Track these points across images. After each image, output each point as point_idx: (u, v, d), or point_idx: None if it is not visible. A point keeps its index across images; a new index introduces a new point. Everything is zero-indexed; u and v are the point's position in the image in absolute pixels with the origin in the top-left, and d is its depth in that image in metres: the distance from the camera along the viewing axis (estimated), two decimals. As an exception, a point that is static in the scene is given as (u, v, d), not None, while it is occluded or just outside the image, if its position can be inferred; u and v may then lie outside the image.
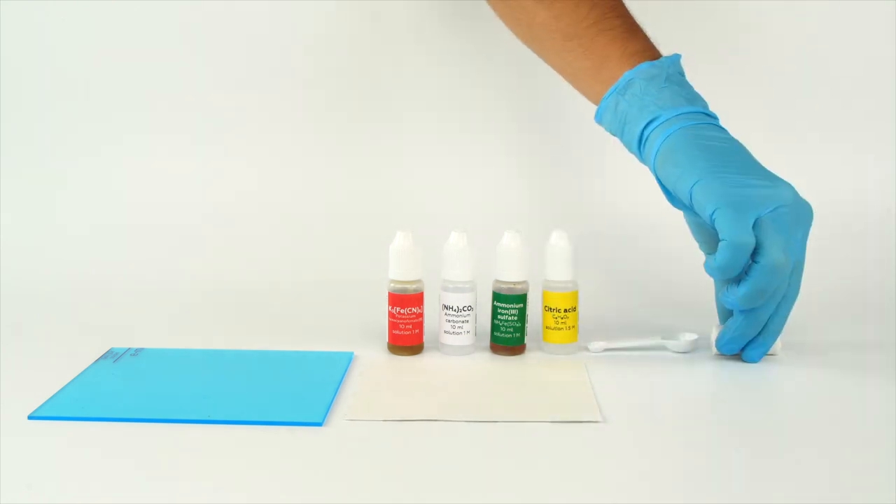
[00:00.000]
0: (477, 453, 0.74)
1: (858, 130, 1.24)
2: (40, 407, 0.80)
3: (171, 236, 1.20)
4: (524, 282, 0.93)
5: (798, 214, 0.87)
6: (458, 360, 0.92)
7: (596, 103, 0.96)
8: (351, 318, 1.03)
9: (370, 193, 1.24)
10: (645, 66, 0.92)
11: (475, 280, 0.93)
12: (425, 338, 0.94)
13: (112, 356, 0.92)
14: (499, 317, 0.93)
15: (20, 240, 1.20)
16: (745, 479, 0.71)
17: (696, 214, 0.89)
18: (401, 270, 0.92)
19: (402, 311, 0.92)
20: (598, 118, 0.96)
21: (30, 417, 0.79)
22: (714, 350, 0.93)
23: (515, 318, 0.93)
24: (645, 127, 0.91)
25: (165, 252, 1.19)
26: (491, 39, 1.24)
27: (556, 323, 0.93)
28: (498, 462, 0.73)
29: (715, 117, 0.92)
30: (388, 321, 0.93)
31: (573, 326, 0.93)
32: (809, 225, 0.88)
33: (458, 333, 0.93)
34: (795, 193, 0.87)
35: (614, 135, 0.96)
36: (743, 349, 0.91)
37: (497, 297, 0.93)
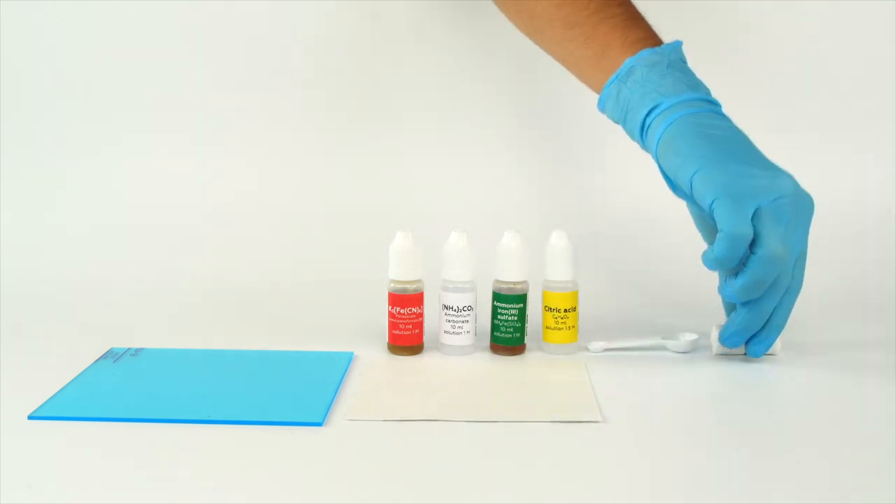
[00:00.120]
0: (477, 453, 0.74)
1: (858, 130, 1.24)
2: (40, 407, 0.80)
3: (171, 236, 1.20)
4: (524, 282, 0.93)
5: (799, 206, 0.86)
6: (458, 360, 0.92)
7: (598, 92, 0.95)
8: (351, 318, 1.03)
9: (370, 193, 1.24)
10: (646, 53, 0.92)
11: (475, 280, 0.93)
12: (425, 338, 0.94)
13: (112, 356, 0.92)
14: (499, 317, 0.93)
15: (20, 240, 1.20)
16: (745, 479, 0.71)
17: (698, 205, 0.88)
18: (401, 270, 0.92)
19: (402, 311, 0.92)
20: (601, 106, 0.95)
21: (30, 417, 0.79)
22: (714, 350, 0.93)
23: (515, 318, 0.93)
24: (647, 115, 0.91)
25: (165, 252, 1.19)
26: (491, 40, 1.24)
27: (556, 323, 0.93)
28: (498, 462, 0.73)
29: (717, 104, 0.92)
30: (388, 321, 0.93)
31: (573, 326, 0.93)
32: (811, 216, 0.88)
33: (458, 333, 0.93)
34: (796, 184, 0.87)
35: (617, 123, 0.95)
36: (747, 343, 0.91)
37: (497, 297, 0.93)
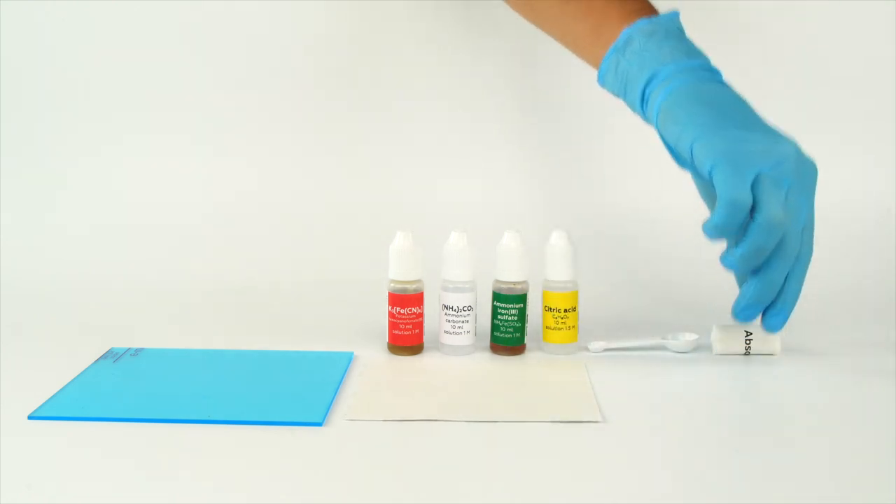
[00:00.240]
0: (477, 453, 0.74)
1: (858, 131, 1.24)
2: (40, 407, 0.80)
3: (171, 236, 1.20)
4: (524, 282, 0.93)
5: (801, 171, 0.85)
6: (458, 360, 0.92)
7: (597, 67, 0.94)
8: (351, 318, 1.03)
9: (370, 193, 1.24)
10: (643, 23, 0.91)
11: (475, 280, 0.93)
12: (425, 338, 0.94)
13: (112, 356, 0.92)
14: (499, 317, 0.93)
15: (20, 240, 1.20)
16: (745, 479, 0.71)
17: (700, 174, 0.86)
18: (401, 270, 0.92)
19: (402, 311, 0.92)
20: (601, 80, 0.94)
21: (30, 417, 0.79)
22: (714, 350, 0.93)
23: (515, 318, 0.93)
24: (646, 85, 0.89)
25: (165, 252, 1.19)
26: (491, 40, 1.24)
27: (556, 323, 0.93)
28: (498, 462, 0.73)
29: (718, 72, 0.90)
30: (388, 321, 0.93)
31: (573, 326, 0.93)
32: (815, 182, 0.86)
33: (458, 333, 0.93)
34: (798, 149, 0.85)
35: (617, 96, 0.94)
36: (763, 317, 0.88)
37: (497, 297, 0.93)
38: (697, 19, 1.23)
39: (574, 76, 1.23)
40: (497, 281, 0.93)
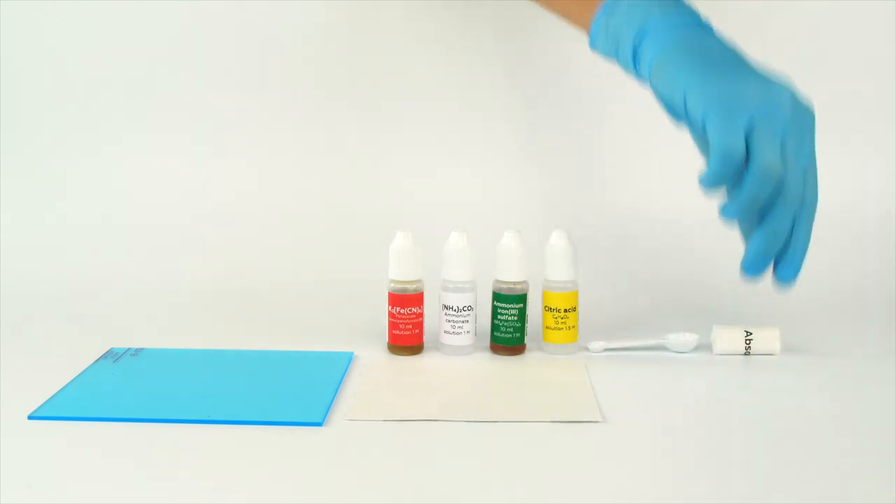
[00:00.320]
0: (477, 453, 0.74)
1: (858, 130, 1.24)
2: (40, 407, 0.80)
3: (171, 236, 1.20)
4: (524, 282, 0.93)
5: (797, 116, 0.83)
6: (458, 360, 0.93)
7: (588, 31, 0.92)
8: (351, 318, 1.03)
9: (370, 193, 1.24)
10: None
11: (475, 280, 0.93)
12: (425, 338, 0.94)
13: (112, 356, 0.92)
14: (499, 317, 0.93)
15: (20, 240, 1.20)
16: (745, 479, 0.71)
17: (694, 126, 0.84)
18: (401, 270, 0.92)
19: (402, 311, 0.92)
20: (592, 44, 0.92)
21: (30, 417, 0.79)
22: (714, 350, 0.93)
23: (515, 318, 0.93)
24: (637, 42, 0.87)
25: (165, 252, 1.19)
26: (492, 40, 1.24)
27: (556, 323, 0.93)
28: (498, 462, 0.73)
29: (708, 27, 0.88)
30: (388, 321, 0.93)
31: (573, 326, 0.93)
32: (812, 127, 0.84)
33: (458, 333, 0.93)
34: (793, 94, 0.84)
35: (609, 57, 0.91)
36: (774, 270, 0.85)
37: (497, 297, 0.93)
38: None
39: (575, 76, 1.24)
40: (497, 281, 0.93)
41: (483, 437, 0.76)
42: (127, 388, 0.85)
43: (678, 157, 1.24)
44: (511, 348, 0.93)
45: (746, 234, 0.86)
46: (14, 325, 1.02)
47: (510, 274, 0.93)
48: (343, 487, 0.69)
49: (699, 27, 0.88)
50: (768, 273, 0.86)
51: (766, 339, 0.93)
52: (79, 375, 0.87)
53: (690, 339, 0.94)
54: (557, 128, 1.26)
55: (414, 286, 0.93)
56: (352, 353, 0.93)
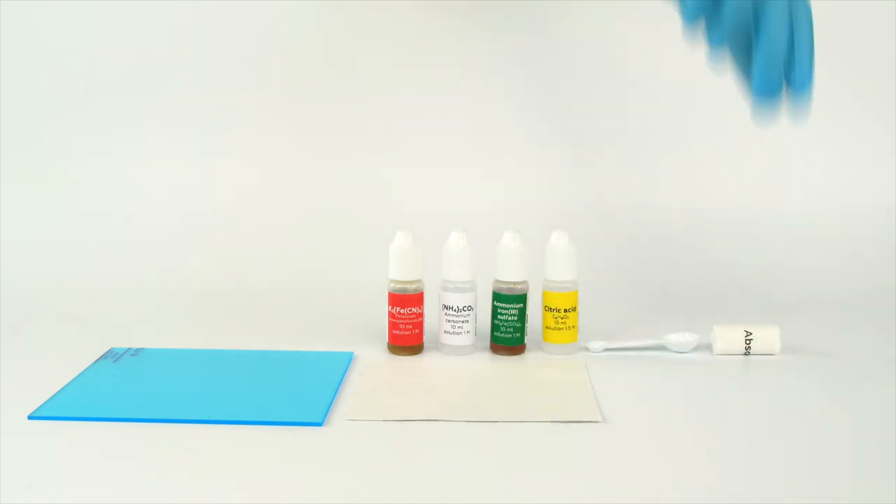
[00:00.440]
0: (477, 453, 0.74)
1: (858, 130, 1.24)
2: (40, 407, 0.80)
3: (171, 236, 1.20)
4: (524, 282, 0.93)
5: None
6: (458, 360, 0.93)
7: None
8: (351, 318, 1.03)
9: (370, 193, 1.24)
10: None
11: (475, 280, 0.93)
12: (425, 338, 0.94)
13: (112, 356, 0.92)
14: (499, 317, 0.93)
15: (20, 240, 1.20)
16: (745, 479, 0.71)
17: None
18: (401, 270, 0.92)
19: (402, 311, 0.92)
20: None
21: (30, 417, 0.79)
22: (714, 350, 0.93)
23: (515, 318, 0.93)
24: None
25: (165, 252, 1.19)
26: (492, 40, 1.24)
27: (556, 323, 0.93)
28: (498, 462, 0.73)
29: None
30: (388, 321, 0.93)
31: (573, 326, 0.93)
32: None
33: (458, 333, 0.93)
34: None
35: None
36: (787, 84, 0.81)
37: (497, 297, 0.93)
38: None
39: (575, 76, 1.24)
40: (497, 281, 0.93)
41: (483, 437, 0.76)
42: (127, 388, 0.85)
43: (678, 158, 1.25)
44: (511, 348, 0.93)
45: (744, 69, 0.82)
46: (14, 325, 1.02)
47: (510, 274, 0.93)
48: (343, 487, 0.69)
49: None
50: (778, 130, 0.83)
51: (766, 339, 0.93)
52: (79, 375, 0.87)
53: (690, 339, 0.94)
54: (558, 128, 1.26)
55: (414, 286, 0.93)
56: (352, 353, 0.93)
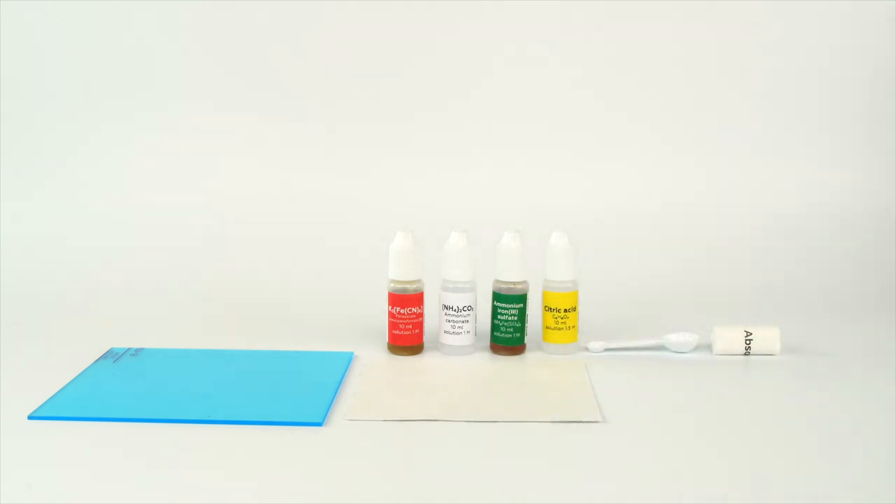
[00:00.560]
0: (477, 453, 0.74)
1: (859, 131, 1.24)
2: (40, 407, 0.80)
3: (171, 237, 1.20)
4: (524, 282, 0.93)
5: None
6: (458, 360, 0.92)
7: None
8: (351, 318, 1.03)
9: (370, 193, 1.24)
10: None
11: (475, 280, 0.93)
12: (425, 338, 0.94)
13: (112, 356, 0.92)
14: (499, 317, 0.93)
15: (20, 240, 1.20)
16: (746, 479, 0.71)
17: None
18: (401, 270, 0.92)
19: (402, 311, 0.92)
20: None
21: (30, 417, 0.79)
22: (714, 350, 0.93)
23: (515, 318, 0.93)
24: None
25: (166, 252, 1.19)
26: (493, 41, 1.24)
27: (556, 323, 0.93)
28: (498, 462, 0.73)
29: None
30: (388, 321, 0.93)
31: (573, 326, 0.93)
32: None
33: (458, 333, 0.93)
34: None
35: None
36: None
37: (497, 297, 0.93)
38: (698, 20, 1.23)
39: (576, 76, 1.24)
40: (497, 281, 0.93)
41: (483, 437, 0.76)
42: (127, 388, 0.85)
43: (678, 158, 1.25)
44: (511, 348, 0.93)
45: None
46: (14, 325, 1.02)
47: (510, 274, 0.93)
48: (343, 487, 0.69)
49: None
50: None
51: (766, 339, 0.93)
52: (79, 375, 0.87)
53: (690, 339, 0.94)
54: (559, 127, 1.26)
55: (414, 286, 0.93)
56: (352, 353, 0.93)
